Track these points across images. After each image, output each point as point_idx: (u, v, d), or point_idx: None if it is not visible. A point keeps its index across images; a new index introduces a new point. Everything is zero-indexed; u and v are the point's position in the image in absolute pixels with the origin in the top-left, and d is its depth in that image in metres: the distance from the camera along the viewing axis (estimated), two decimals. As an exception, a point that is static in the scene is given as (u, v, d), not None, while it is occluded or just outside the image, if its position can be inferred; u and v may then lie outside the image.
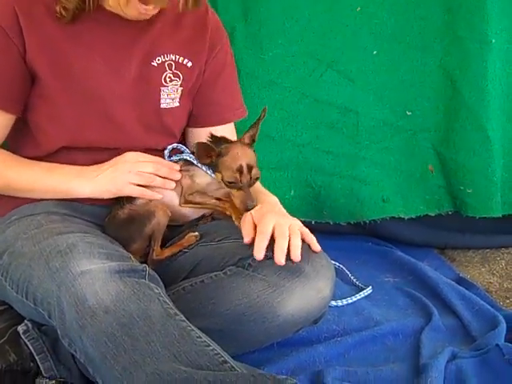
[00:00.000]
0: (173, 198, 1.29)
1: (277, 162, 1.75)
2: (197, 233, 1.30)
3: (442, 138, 1.79)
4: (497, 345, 1.26)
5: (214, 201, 1.29)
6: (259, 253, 1.14)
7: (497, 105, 1.74)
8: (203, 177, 1.28)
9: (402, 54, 1.72)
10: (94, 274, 0.99)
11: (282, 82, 1.70)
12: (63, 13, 1.19)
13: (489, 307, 1.48)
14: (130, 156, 1.25)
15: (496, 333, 1.34)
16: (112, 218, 1.25)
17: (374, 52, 1.72)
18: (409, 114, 1.77)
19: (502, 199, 1.81)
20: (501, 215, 1.82)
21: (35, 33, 1.20)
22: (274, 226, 1.16)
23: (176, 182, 1.27)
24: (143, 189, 1.24)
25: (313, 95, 1.73)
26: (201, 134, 1.36)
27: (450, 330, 1.42)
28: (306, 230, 1.21)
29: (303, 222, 1.75)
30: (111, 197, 1.25)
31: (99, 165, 1.25)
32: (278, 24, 1.65)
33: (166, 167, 1.26)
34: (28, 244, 1.13)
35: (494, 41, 1.67)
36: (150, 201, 1.26)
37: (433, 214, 1.83)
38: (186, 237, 1.29)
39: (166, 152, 1.31)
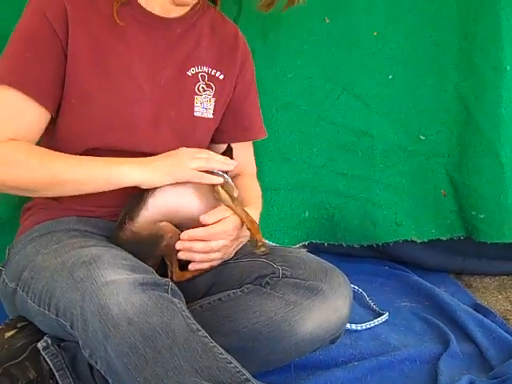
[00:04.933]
0: (191, 203, 1.23)
1: (293, 184, 1.76)
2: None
3: (455, 162, 1.80)
4: (515, 374, 1.24)
5: (243, 212, 1.23)
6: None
7: (511, 131, 1.75)
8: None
9: (417, 79, 1.75)
10: (119, 284, 0.97)
11: (300, 103, 1.72)
12: None
13: (506, 335, 1.46)
14: (183, 150, 1.23)
15: (514, 361, 1.31)
16: (116, 240, 1.19)
17: (390, 76, 1.74)
18: (423, 138, 1.79)
19: (515, 225, 1.82)
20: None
21: (81, 28, 1.19)
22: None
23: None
24: (203, 173, 1.20)
25: (329, 118, 1.74)
26: (220, 151, 1.37)
27: (468, 357, 1.39)
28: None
29: (316, 244, 1.81)
30: (167, 183, 1.19)
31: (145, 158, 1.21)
32: (297, 46, 1.67)
33: (217, 162, 1.23)
34: (49, 258, 1.11)
35: (508, 68, 1.69)
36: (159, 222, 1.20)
37: (444, 239, 1.83)
38: None
39: None
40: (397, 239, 1.79)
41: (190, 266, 1.23)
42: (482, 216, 1.78)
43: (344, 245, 1.81)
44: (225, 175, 1.26)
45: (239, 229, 1.23)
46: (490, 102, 1.72)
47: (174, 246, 1.20)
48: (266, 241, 1.29)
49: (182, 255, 1.21)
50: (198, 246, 1.20)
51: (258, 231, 1.24)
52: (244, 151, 1.45)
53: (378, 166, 1.78)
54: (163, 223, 1.20)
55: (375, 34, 1.70)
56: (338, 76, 1.72)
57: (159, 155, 1.22)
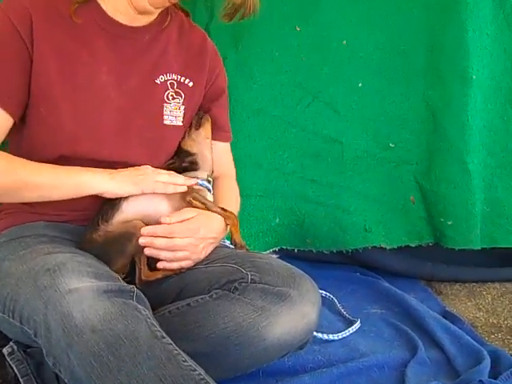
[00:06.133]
0: (162, 209, 1.26)
1: (263, 190, 1.77)
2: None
3: (423, 170, 1.83)
4: (480, 380, 1.27)
5: (218, 209, 1.28)
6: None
7: (477, 139, 1.79)
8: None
9: (386, 87, 1.77)
10: (82, 292, 0.96)
11: (271, 110, 1.73)
12: None
13: (474, 342, 1.48)
14: (148, 167, 1.25)
15: (480, 368, 1.34)
16: (89, 242, 1.20)
17: (359, 84, 1.76)
18: (392, 146, 1.81)
19: (483, 232, 1.84)
20: (480, 248, 1.84)
21: (47, 38, 1.19)
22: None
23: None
24: (167, 184, 1.22)
25: (299, 125, 1.76)
26: None
27: (435, 363, 1.41)
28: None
29: (286, 250, 1.81)
30: (131, 193, 1.21)
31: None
32: (268, 53, 1.69)
33: (180, 178, 1.26)
34: (15, 264, 1.10)
35: (474, 77, 1.73)
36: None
37: (413, 245, 1.86)
38: None
39: None
40: (366, 245, 1.81)
41: (159, 264, 1.23)
42: (449, 222, 1.81)
43: (314, 251, 1.82)
44: (204, 183, 1.32)
45: (208, 228, 1.25)
46: (457, 110, 1.75)
47: None
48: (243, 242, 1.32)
49: (147, 251, 1.21)
50: (160, 242, 1.20)
51: (234, 229, 1.29)
52: (222, 154, 1.46)
53: (348, 173, 1.80)
54: (134, 221, 1.22)
55: (344, 42, 1.72)
56: (309, 83, 1.74)
57: (126, 168, 1.22)
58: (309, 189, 1.79)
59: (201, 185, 1.31)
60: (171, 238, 1.21)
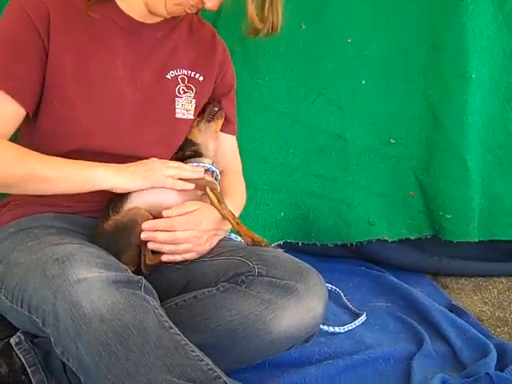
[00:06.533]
0: (171, 199, 1.26)
1: (269, 184, 1.78)
2: None
3: (423, 166, 1.85)
4: (487, 373, 1.28)
5: (229, 214, 1.28)
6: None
7: (476, 136, 1.81)
8: None
9: (388, 85, 1.79)
10: (91, 282, 0.97)
11: (277, 106, 1.75)
12: None
13: (480, 335, 1.49)
14: (156, 160, 1.26)
15: (486, 361, 1.35)
16: (100, 232, 1.22)
17: (363, 82, 1.78)
18: (393, 142, 1.83)
19: (481, 225, 1.87)
20: (477, 240, 1.87)
21: (63, 33, 1.20)
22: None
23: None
24: (177, 180, 1.23)
25: (304, 121, 1.78)
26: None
27: (441, 356, 1.42)
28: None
29: (291, 244, 1.83)
30: (140, 188, 1.22)
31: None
32: (274, 50, 1.71)
33: (188, 171, 1.27)
34: (24, 254, 1.11)
35: (474, 76, 1.75)
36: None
37: (413, 238, 1.88)
38: None
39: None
40: (370, 238, 1.83)
41: (163, 257, 1.24)
42: (448, 216, 1.83)
43: (318, 244, 1.84)
44: (213, 167, 1.34)
45: (211, 220, 1.26)
46: (456, 108, 1.77)
47: None
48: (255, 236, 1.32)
49: (150, 245, 1.22)
50: (162, 235, 1.22)
51: (247, 232, 1.29)
52: (230, 148, 1.48)
53: (352, 168, 1.81)
54: (136, 208, 1.22)
55: (349, 40, 1.74)
56: (314, 80, 1.75)
57: (134, 163, 1.23)
58: (313, 183, 1.81)
59: (209, 169, 1.33)
60: (173, 231, 1.22)
